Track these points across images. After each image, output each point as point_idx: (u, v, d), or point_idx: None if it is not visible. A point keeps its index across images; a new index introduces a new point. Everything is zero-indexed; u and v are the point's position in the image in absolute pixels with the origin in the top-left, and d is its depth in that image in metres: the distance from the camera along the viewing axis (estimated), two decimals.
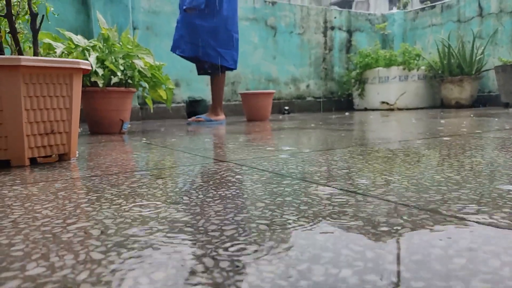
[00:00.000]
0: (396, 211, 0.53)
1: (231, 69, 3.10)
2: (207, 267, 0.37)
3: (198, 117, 3.11)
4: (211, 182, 0.77)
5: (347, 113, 4.31)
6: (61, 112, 1.12)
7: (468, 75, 4.60)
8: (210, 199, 0.63)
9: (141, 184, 0.77)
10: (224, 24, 2.91)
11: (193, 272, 0.36)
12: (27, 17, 1.41)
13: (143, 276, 0.36)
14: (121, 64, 2.18)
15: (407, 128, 1.96)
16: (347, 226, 0.48)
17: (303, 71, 5.20)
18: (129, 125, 2.91)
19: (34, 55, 1.34)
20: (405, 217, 0.50)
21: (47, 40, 2.09)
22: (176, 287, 0.33)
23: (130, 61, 2.24)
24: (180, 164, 1.03)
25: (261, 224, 0.49)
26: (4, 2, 1.06)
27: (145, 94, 2.49)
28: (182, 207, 0.59)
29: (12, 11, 1.08)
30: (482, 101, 4.81)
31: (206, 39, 2.88)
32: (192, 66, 3.41)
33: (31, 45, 1.67)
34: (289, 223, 0.49)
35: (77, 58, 2.09)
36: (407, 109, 4.81)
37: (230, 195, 0.65)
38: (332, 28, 5.37)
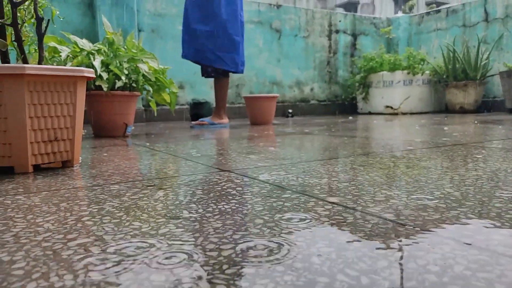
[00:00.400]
0: (394, 231, 0.54)
1: (234, 72, 3.10)
2: None
3: (202, 120, 3.12)
4: (211, 194, 0.77)
5: (350, 117, 4.31)
6: (65, 120, 1.13)
7: (473, 80, 4.59)
8: (210, 214, 0.63)
9: (142, 195, 0.78)
10: (223, 27, 2.91)
11: None
12: (33, 20, 1.42)
13: None
14: (126, 68, 2.19)
15: (410, 136, 1.95)
16: (344, 248, 0.48)
17: (307, 74, 5.21)
18: (133, 127, 2.92)
19: (39, 60, 1.35)
20: (402, 238, 0.51)
21: (52, 44, 2.11)
22: None
23: (135, 65, 2.25)
24: (182, 173, 1.04)
25: (259, 244, 0.50)
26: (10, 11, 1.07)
27: (149, 98, 2.50)
28: (182, 222, 0.59)
29: (18, 19, 1.09)
30: (487, 106, 4.79)
31: (205, 43, 2.89)
32: (197, 68, 3.42)
33: (36, 48, 1.69)
34: (287, 243, 0.50)
35: (82, 62, 2.11)
36: (411, 113, 4.80)
37: (230, 210, 0.66)
38: (337, 31, 5.37)
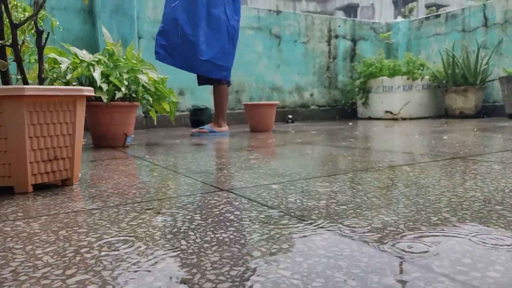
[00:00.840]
0: (390, 266, 0.54)
1: (220, 80, 3.05)
2: None
3: (202, 128, 3.13)
4: (209, 220, 0.78)
5: (350, 123, 4.32)
6: (64, 138, 1.14)
7: (473, 85, 4.60)
8: (208, 245, 0.64)
9: (140, 221, 0.78)
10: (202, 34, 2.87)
11: None
12: (33, 31, 1.43)
13: None
14: (126, 79, 2.20)
15: (409, 147, 1.96)
16: (339, 287, 0.48)
17: (307, 79, 5.22)
18: (133, 135, 2.93)
19: (39, 72, 1.36)
20: (397, 275, 0.51)
21: (52, 55, 2.12)
22: None
23: (134, 76, 2.26)
24: (180, 193, 1.04)
25: (256, 282, 0.50)
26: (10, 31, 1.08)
27: (149, 107, 2.51)
28: (180, 255, 0.60)
29: (18, 38, 1.10)
30: (487, 111, 4.79)
31: (189, 50, 2.87)
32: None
33: (36, 58, 1.70)
34: (283, 280, 0.50)
35: (82, 73, 2.12)
36: (411, 118, 4.81)
37: (228, 240, 0.66)
38: (336, 36, 5.38)
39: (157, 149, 2.16)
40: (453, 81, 4.74)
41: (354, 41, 5.52)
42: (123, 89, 2.15)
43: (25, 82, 1.14)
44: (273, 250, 0.61)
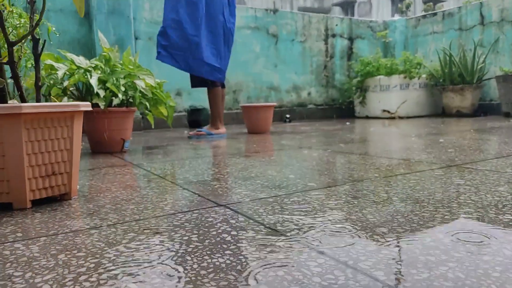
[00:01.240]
0: None
1: (214, 82, 3.05)
2: None
3: (199, 131, 3.13)
4: (206, 242, 0.79)
5: (348, 123, 4.33)
6: (62, 154, 1.15)
7: (469, 84, 4.61)
8: (204, 272, 0.65)
9: (139, 243, 0.79)
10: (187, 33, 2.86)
11: None
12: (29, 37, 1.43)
13: None
14: (123, 85, 2.20)
15: (406, 152, 1.97)
16: None
17: (304, 78, 5.22)
18: (131, 138, 2.93)
19: (36, 80, 1.36)
20: None
21: (49, 61, 2.12)
22: None
23: (131, 81, 2.26)
24: (178, 208, 1.05)
25: None
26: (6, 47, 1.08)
27: (146, 111, 2.51)
28: (177, 285, 0.61)
29: (14, 57, 1.10)
30: (484, 110, 4.81)
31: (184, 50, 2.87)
32: None
33: (33, 63, 1.70)
34: None
35: (78, 79, 2.12)
36: (408, 117, 4.82)
37: (224, 266, 0.67)
38: (333, 35, 5.38)
39: (155, 156, 2.16)
40: (450, 80, 4.75)
41: (351, 39, 5.52)
42: (120, 95, 2.15)
43: (23, 99, 1.15)
44: (270, 279, 0.62)
